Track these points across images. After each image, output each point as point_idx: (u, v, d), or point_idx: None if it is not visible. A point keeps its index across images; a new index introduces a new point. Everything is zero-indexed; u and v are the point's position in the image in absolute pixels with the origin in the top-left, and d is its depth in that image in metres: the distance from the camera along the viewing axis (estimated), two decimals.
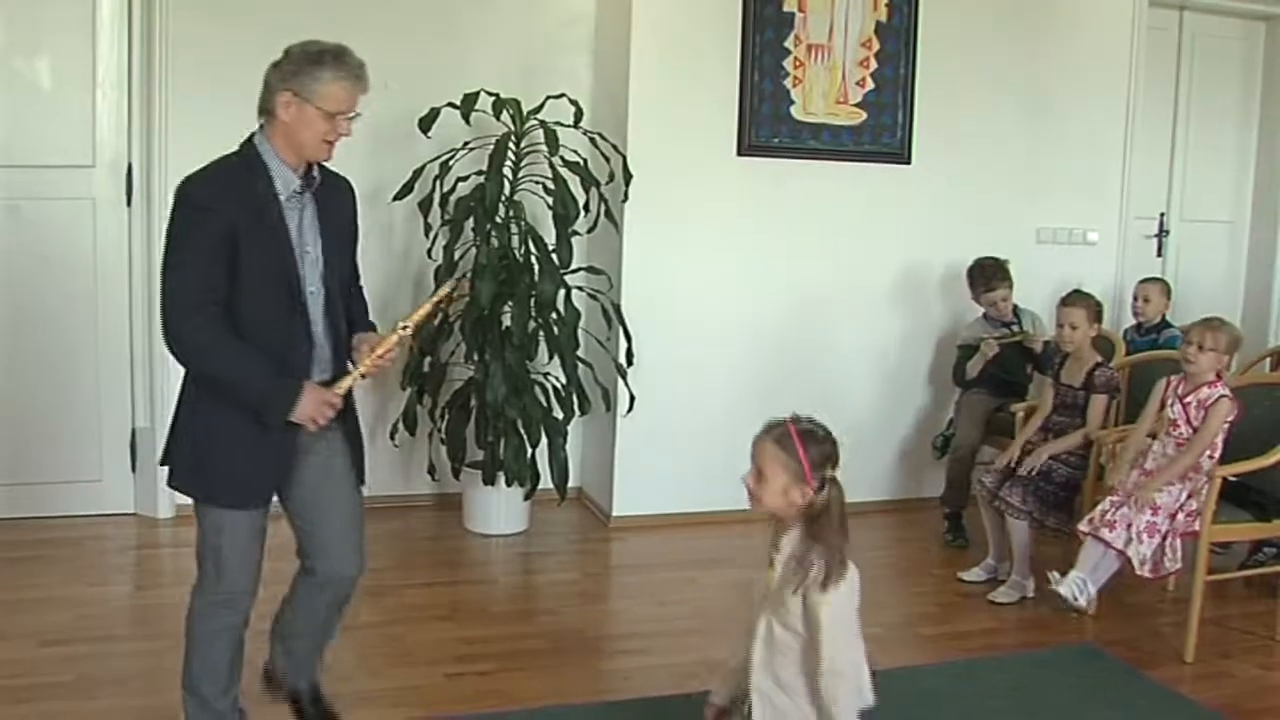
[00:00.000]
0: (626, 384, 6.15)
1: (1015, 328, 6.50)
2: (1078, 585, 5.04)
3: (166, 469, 3.58)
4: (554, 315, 6.00)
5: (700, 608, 5.38)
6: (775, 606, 3.18)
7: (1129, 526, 4.96)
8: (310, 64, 3.33)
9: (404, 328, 3.56)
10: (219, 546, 3.52)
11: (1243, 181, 8.38)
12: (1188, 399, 5.11)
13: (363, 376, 3.57)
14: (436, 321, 5.92)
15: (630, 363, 6.14)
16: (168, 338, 3.28)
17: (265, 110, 3.38)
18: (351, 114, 3.41)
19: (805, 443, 3.13)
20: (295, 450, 3.52)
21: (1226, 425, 5.05)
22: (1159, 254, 8.11)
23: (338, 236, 3.58)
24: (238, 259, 3.26)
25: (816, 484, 3.11)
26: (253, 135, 3.41)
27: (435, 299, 3.78)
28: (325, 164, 3.55)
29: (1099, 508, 5.11)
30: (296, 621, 3.87)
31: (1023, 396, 6.40)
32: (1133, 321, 6.94)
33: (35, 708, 4.15)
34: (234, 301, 3.29)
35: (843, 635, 3.09)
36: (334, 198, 3.58)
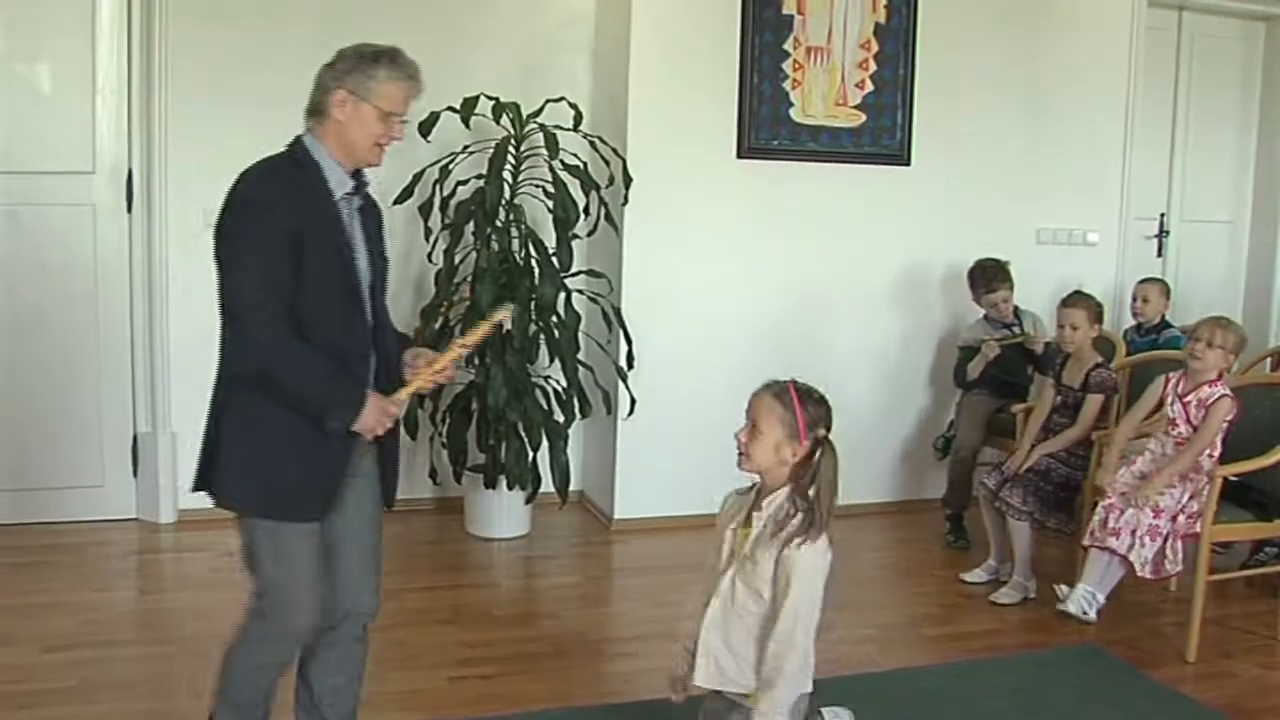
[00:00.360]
0: (627, 387, 6.15)
1: (1016, 329, 6.51)
2: (1086, 600, 5.05)
3: (203, 487, 3.38)
4: (554, 318, 6.01)
5: None
6: (744, 565, 3.21)
7: (1133, 531, 4.96)
8: (367, 63, 3.28)
9: (463, 345, 3.48)
10: (280, 573, 3.32)
11: (1242, 182, 8.38)
12: (1188, 398, 5.11)
13: (417, 392, 3.49)
14: (437, 325, 5.94)
15: (631, 365, 6.14)
16: (239, 337, 3.22)
17: (317, 111, 3.30)
18: (405, 117, 3.35)
19: (803, 400, 3.20)
20: (350, 465, 3.39)
21: (1225, 424, 5.04)
22: (1159, 254, 8.11)
23: (377, 245, 3.50)
24: (302, 259, 3.16)
25: (809, 443, 3.17)
26: (300, 136, 3.33)
27: (493, 321, 3.69)
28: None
29: (1097, 517, 5.11)
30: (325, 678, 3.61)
31: (1024, 397, 6.40)
32: (1132, 322, 6.93)
33: (38, 713, 4.15)
34: (296, 304, 3.19)
35: (806, 604, 3.12)
36: (370, 207, 3.49)
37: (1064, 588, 5.17)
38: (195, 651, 4.69)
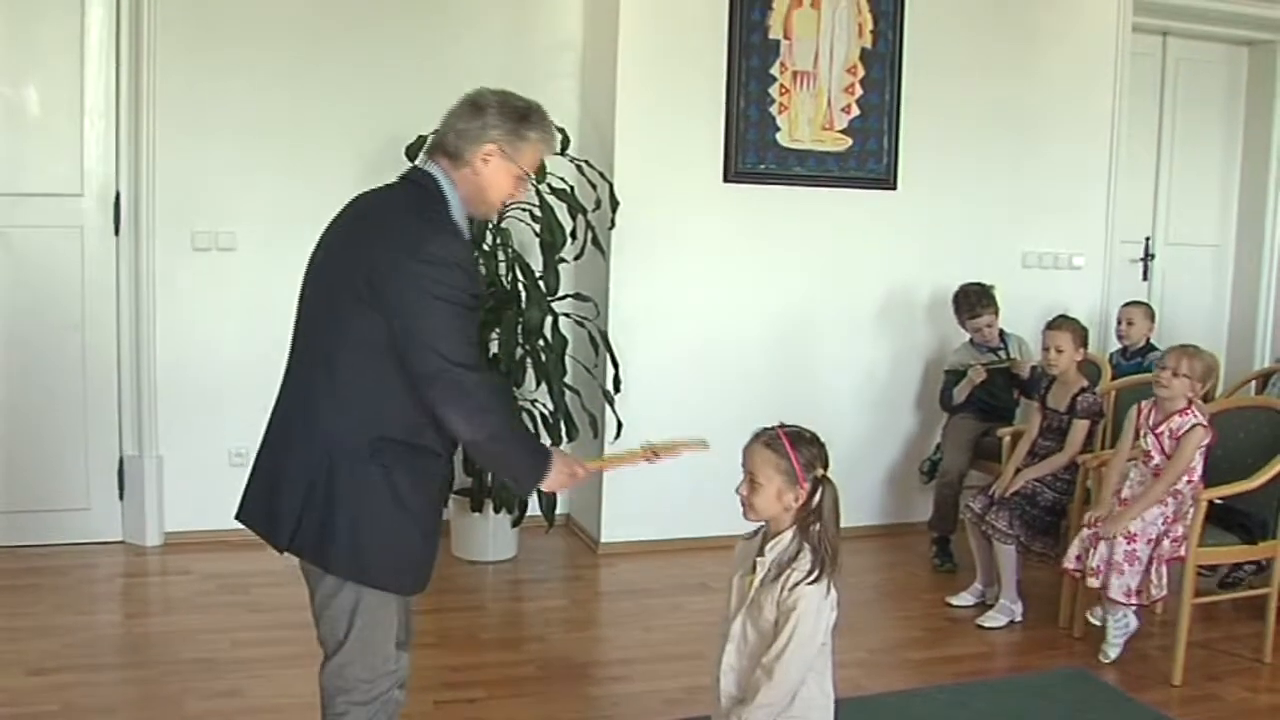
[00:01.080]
0: (614, 410, 6.13)
1: (1002, 353, 6.52)
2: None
3: (300, 550, 3.10)
4: (541, 342, 5.99)
5: (688, 633, 5.36)
6: (752, 609, 3.22)
7: (1107, 563, 4.98)
8: (518, 120, 3.13)
9: (652, 452, 3.39)
10: (373, 640, 3.15)
11: (1227, 205, 8.43)
12: (1160, 429, 5.12)
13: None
14: None
15: (618, 389, 6.14)
16: (470, 409, 2.99)
17: (453, 155, 3.12)
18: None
19: (794, 444, 3.19)
20: None
21: (1201, 450, 5.05)
22: (1145, 278, 8.14)
23: None
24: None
25: (809, 485, 3.17)
26: (434, 175, 3.13)
27: (692, 447, 3.64)
28: None
29: (1079, 546, 5.16)
30: None
31: (1010, 421, 6.42)
32: (1118, 345, 6.95)
33: None
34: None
35: (798, 641, 3.10)
36: None
37: (1098, 610, 5.22)
38: (181, 674, 4.71)
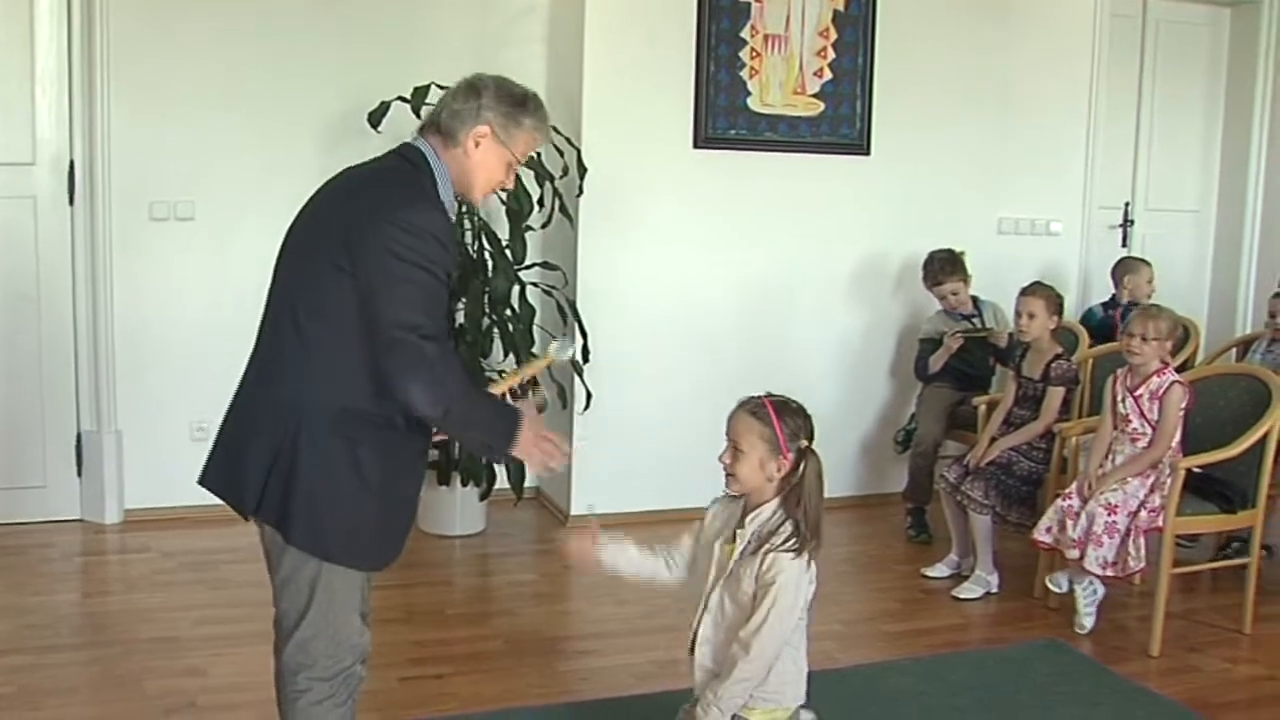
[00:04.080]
0: (583, 381, 6.05)
1: (976, 320, 6.45)
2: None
3: (266, 516, 3.02)
4: (508, 312, 5.91)
5: (659, 607, 5.26)
6: (730, 582, 3.21)
7: (1088, 535, 4.91)
8: (514, 105, 3.10)
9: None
10: (336, 617, 3.09)
11: (1208, 170, 8.35)
12: (1138, 391, 5.08)
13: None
14: None
15: (586, 360, 6.05)
16: (429, 379, 2.89)
17: (445, 133, 3.08)
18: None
19: (780, 413, 3.18)
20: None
21: (1181, 412, 5.00)
22: (1124, 244, 8.06)
23: None
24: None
25: (793, 456, 3.15)
26: (421, 150, 3.09)
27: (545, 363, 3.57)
28: None
29: (1053, 517, 5.11)
30: None
31: (985, 390, 6.36)
32: (1101, 301, 6.96)
33: None
34: None
35: (776, 614, 3.09)
36: None
37: (1059, 576, 5.17)
38: (141, 654, 4.65)
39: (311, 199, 3.16)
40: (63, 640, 4.83)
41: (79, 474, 6.17)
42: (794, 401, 3.25)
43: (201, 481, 3.15)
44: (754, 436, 3.16)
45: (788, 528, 3.13)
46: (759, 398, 3.23)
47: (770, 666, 3.14)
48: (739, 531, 3.22)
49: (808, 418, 3.23)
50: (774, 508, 3.18)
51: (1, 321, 5.96)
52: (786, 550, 3.10)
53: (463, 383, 3.00)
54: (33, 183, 5.94)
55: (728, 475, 3.22)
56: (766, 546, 3.12)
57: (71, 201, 5.99)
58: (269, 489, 2.97)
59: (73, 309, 6.05)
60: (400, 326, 2.85)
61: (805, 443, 3.19)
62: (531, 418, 3.12)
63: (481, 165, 3.10)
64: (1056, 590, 5.18)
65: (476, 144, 3.07)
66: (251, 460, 3.00)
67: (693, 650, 3.31)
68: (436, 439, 3.29)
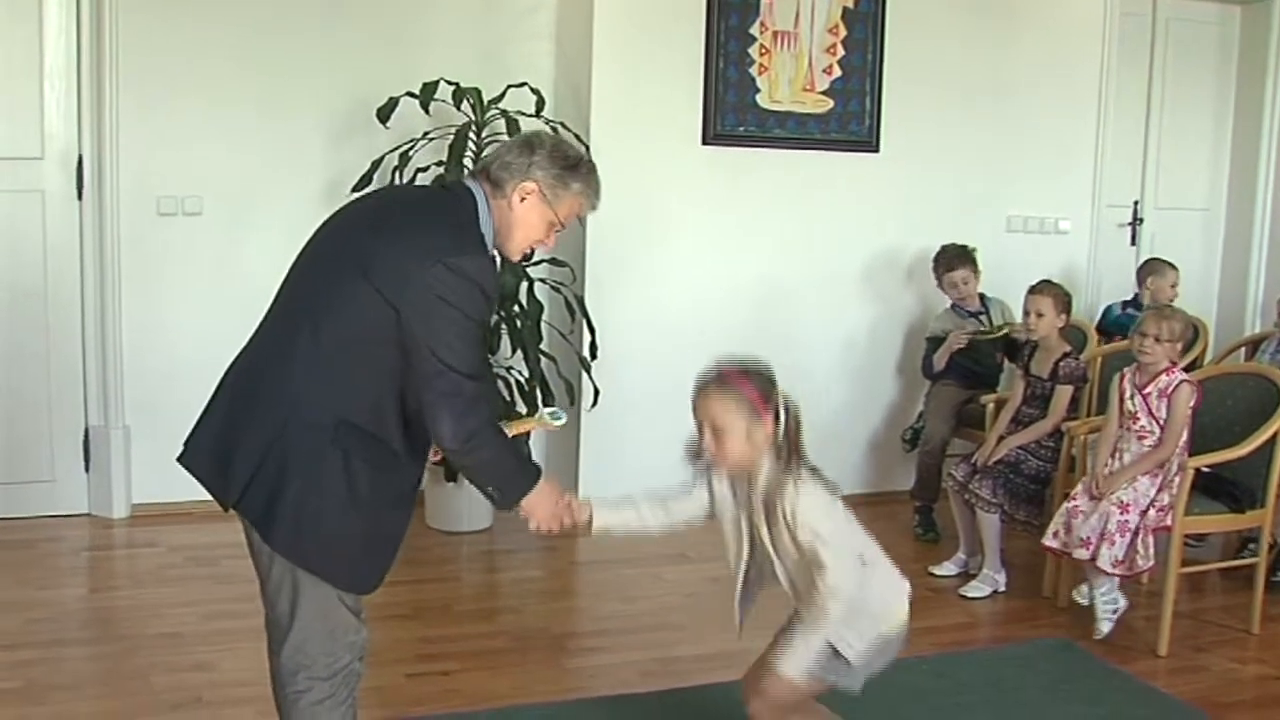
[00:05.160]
0: (591, 378, 6.05)
1: (983, 318, 6.43)
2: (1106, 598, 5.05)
3: (250, 517, 3.00)
4: (516, 308, 5.91)
5: (665, 604, 5.31)
6: (778, 543, 3.20)
7: (1100, 535, 4.90)
8: (565, 167, 3.10)
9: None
10: (328, 622, 3.08)
11: (1218, 168, 8.32)
12: (1147, 389, 5.04)
13: None
14: None
15: (594, 356, 6.05)
16: (459, 413, 2.93)
17: (494, 182, 3.09)
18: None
19: (746, 379, 3.13)
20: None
21: (1189, 412, 4.99)
22: (1133, 242, 8.04)
23: None
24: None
25: (771, 414, 3.11)
26: (474, 193, 3.10)
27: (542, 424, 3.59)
28: None
29: (1060, 519, 5.09)
30: None
31: (993, 388, 6.34)
32: (1119, 300, 6.98)
33: None
34: None
35: (833, 546, 3.11)
36: None
37: (1085, 588, 5.15)
38: (148, 649, 4.64)
39: (350, 208, 3.17)
40: (70, 635, 4.82)
41: (87, 469, 6.16)
42: (750, 361, 3.19)
43: (182, 459, 3.12)
44: (730, 414, 3.09)
45: (784, 477, 3.12)
46: (714, 371, 3.17)
47: (861, 583, 3.16)
48: (752, 497, 3.21)
49: (769, 372, 3.18)
50: (772, 466, 3.14)
51: (10, 316, 5.95)
52: (791, 487, 3.10)
53: (489, 425, 3.03)
54: (41, 177, 5.93)
55: (715, 459, 3.18)
56: (778, 501, 3.11)
57: (80, 196, 5.97)
58: (254, 484, 2.95)
59: (81, 304, 6.04)
60: (443, 364, 2.88)
61: (779, 397, 3.14)
62: (549, 481, 3.17)
63: (523, 221, 3.10)
64: (1083, 603, 5.16)
65: (522, 199, 3.07)
66: (242, 453, 2.97)
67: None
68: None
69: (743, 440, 3.10)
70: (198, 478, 3.10)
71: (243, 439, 2.98)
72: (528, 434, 3.50)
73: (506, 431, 3.27)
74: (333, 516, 2.95)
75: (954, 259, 6.44)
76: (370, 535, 3.03)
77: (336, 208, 3.20)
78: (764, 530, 3.20)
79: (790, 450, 3.13)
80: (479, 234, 3.04)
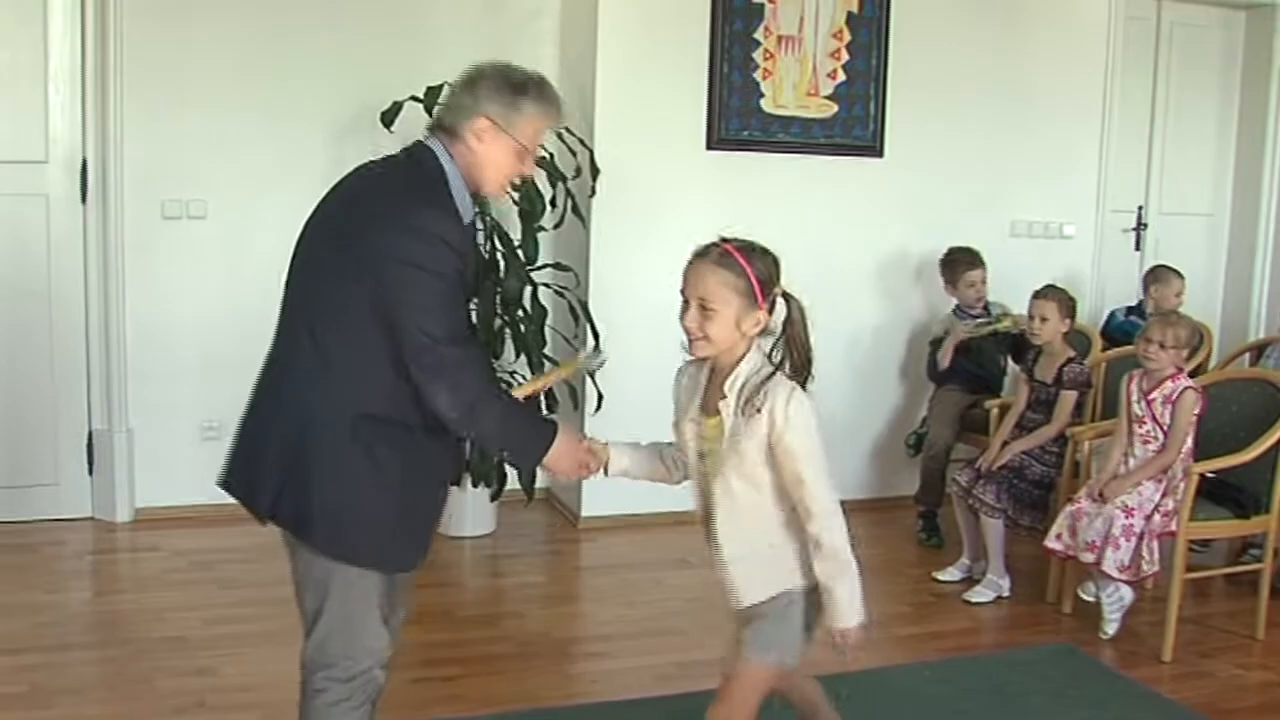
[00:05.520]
0: (594, 382, 6.04)
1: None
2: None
3: (282, 521, 3.04)
4: (520, 312, 5.90)
5: (669, 609, 5.31)
6: (733, 459, 2.95)
7: (1105, 538, 4.89)
8: (512, 91, 3.03)
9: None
10: (354, 620, 3.07)
11: (1222, 174, 8.31)
12: (1152, 395, 5.05)
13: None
14: None
15: (600, 361, 6.02)
16: (451, 384, 2.91)
17: (449, 132, 3.04)
18: (538, 153, 3.19)
19: (749, 257, 2.89)
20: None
21: (1194, 419, 4.98)
22: (1137, 248, 8.03)
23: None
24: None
25: (769, 305, 2.90)
26: (432, 149, 3.04)
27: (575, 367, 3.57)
28: None
29: (1063, 522, 5.10)
30: None
31: (998, 393, 6.34)
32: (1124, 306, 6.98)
33: None
34: None
35: (817, 465, 2.90)
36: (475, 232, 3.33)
37: (1090, 585, 5.17)
38: (152, 653, 4.64)
39: (322, 201, 3.13)
40: (74, 639, 4.83)
41: (90, 472, 6.16)
42: (758, 243, 2.96)
43: (221, 483, 3.14)
44: (725, 290, 2.86)
45: (778, 375, 2.90)
46: (717, 243, 2.93)
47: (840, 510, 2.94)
48: (722, 403, 2.94)
49: (777, 259, 2.94)
50: (754, 362, 2.92)
51: (14, 319, 5.95)
52: (784, 388, 2.88)
53: (486, 388, 3.01)
54: (45, 181, 5.93)
55: (694, 340, 2.93)
56: (757, 402, 2.86)
57: (84, 200, 5.97)
58: (284, 494, 2.98)
59: (85, 307, 6.03)
60: (421, 333, 2.85)
61: (780, 287, 2.92)
62: (565, 432, 3.13)
63: (488, 159, 3.04)
64: (1088, 599, 5.17)
65: (479, 138, 3.01)
66: (266, 466, 3.00)
67: (722, 562, 3.08)
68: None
69: (731, 325, 2.87)
70: (235, 497, 3.10)
71: (266, 454, 3.01)
72: (537, 393, 3.40)
73: (546, 380, 3.28)
74: (368, 505, 2.97)
75: (971, 259, 6.44)
76: (407, 511, 3.05)
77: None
78: (737, 446, 2.94)
79: (795, 354, 2.92)
80: (440, 191, 2.98)
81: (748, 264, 2.86)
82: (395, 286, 2.86)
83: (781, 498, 2.97)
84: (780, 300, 2.94)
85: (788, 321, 2.89)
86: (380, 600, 3.09)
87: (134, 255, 5.99)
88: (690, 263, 2.93)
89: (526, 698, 4.37)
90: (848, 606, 3.00)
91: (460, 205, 3.02)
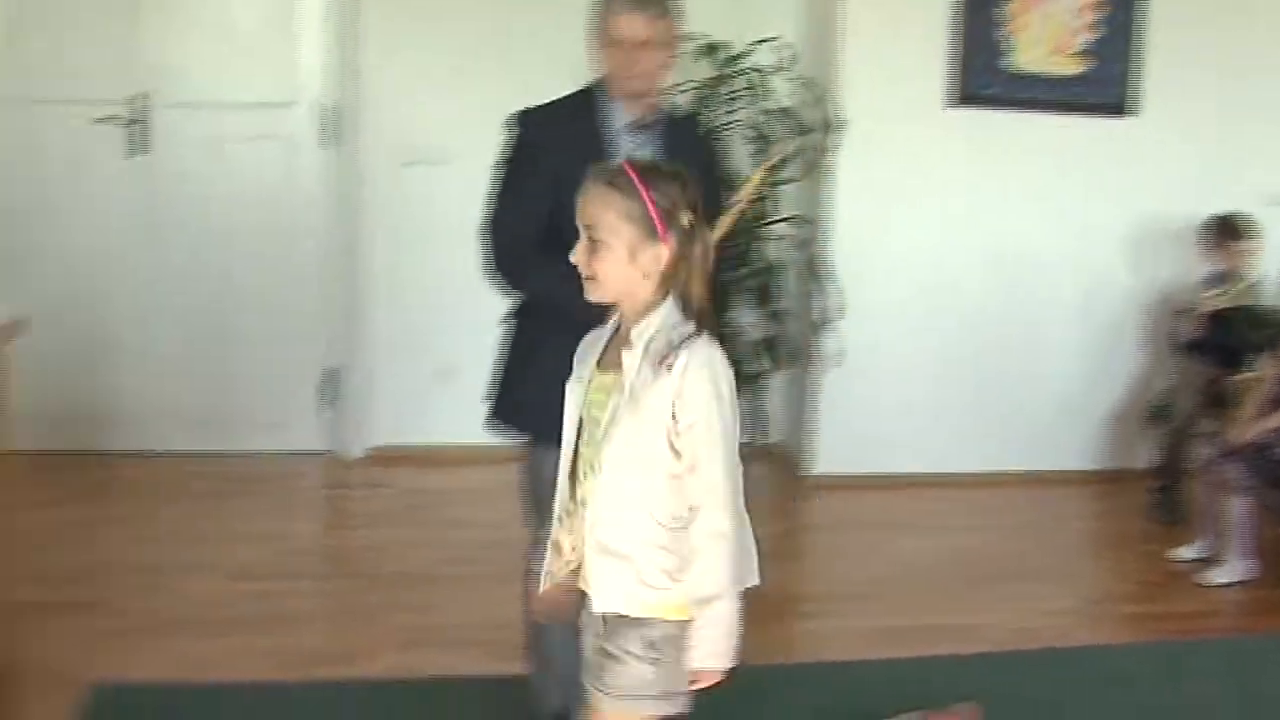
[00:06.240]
0: (829, 337, 6.00)
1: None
2: None
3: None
4: (754, 267, 5.86)
5: (895, 570, 5.24)
6: (627, 428, 2.40)
7: None
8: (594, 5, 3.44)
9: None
10: (535, 490, 3.25)
11: None
12: None
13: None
14: None
15: (839, 317, 6.01)
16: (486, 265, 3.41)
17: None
18: (644, 43, 3.35)
19: (648, 182, 2.39)
20: None
21: None
22: None
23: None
24: (561, 196, 2.71)
25: (674, 238, 2.38)
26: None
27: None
28: (675, 106, 3.70)
29: None
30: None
31: (1248, 367, 6.06)
32: None
33: (223, 643, 4.21)
34: (554, 236, 2.95)
35: (728, 439, 2.39)
36: (680, 140, 3.51)
37: None
38: (378, 588, 4.76)
39: None
40: (304, 569, 4.99)
41: (326, 408, 6.30)
42: (665, 164, 2.55)
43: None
44: (615, 217, 2.37)
45: (704, 336, 2.39)
46: (617, 164, 2.48)
47: (742, 511, 2.45)
48: (626, 352, 2.41)
49: (685, 182, 2.43)
50: (671, 315, 2.40)
51: (257, 259, 6.11)
52: (705, 348, 2.37)
53: (492, 274, 3.42)
54: (291, 124, 6.07)
55: (586, 279, 2.44)
56: (670, 360, 2.35)
57: (329, 143, 6.10)
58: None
59: (326, 248, 6.16)
60: (482, 235, 3.44)
61: (688, 218, 2.39)
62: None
63: (603, 62, 3.42)
64: None
65: (594, 46, 3.44)
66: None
67: (560, 545, 2.58)
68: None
69: (624, 261, 2.38)
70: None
71: None
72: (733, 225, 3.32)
73: (751, 187, 3.54)
74: (505, 374, 3.49)
75: (1242, 230, 6.10)
76: (538, 376, 3.17)
77: None
78: (638, 406, 2.39)
79: (689, 296, 2.41)
80: (552, 103, 3.52)
81: (644, 188, 2.37)
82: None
83: (679, 496, 2.42)
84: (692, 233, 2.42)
85: (678, 256, 2.40)
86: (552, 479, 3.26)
87: (377, 197, 6.11)
88: (584, 184, 2.46)
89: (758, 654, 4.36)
90: (718, 642, 2.45)
91: (605, 113, 3.43)
